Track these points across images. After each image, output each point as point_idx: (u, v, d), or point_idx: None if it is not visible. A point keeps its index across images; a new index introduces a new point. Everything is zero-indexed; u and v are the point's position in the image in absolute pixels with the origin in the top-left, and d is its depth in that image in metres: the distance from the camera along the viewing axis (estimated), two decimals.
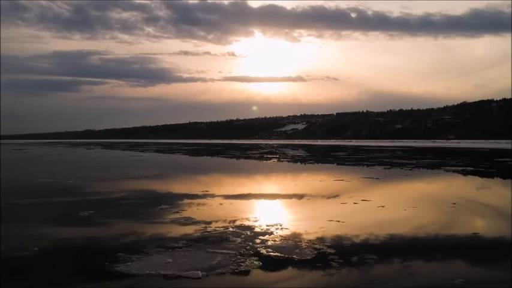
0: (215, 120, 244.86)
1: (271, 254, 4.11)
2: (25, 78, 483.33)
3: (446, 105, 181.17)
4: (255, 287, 3.33)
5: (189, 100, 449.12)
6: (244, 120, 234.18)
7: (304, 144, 60.38)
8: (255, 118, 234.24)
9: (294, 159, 22.28)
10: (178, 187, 10.07)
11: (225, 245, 4.38)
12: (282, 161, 21.00)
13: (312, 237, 4.76)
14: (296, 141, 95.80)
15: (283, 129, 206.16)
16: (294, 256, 4.04)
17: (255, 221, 5.61)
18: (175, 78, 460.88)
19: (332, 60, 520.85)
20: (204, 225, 5.31)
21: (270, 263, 3.81)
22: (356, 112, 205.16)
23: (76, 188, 9.45)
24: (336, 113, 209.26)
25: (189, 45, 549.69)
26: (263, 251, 4.20)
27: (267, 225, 5.33)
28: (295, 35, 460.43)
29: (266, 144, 68.92)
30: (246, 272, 3.58)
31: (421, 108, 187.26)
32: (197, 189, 8.96)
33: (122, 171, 14.55)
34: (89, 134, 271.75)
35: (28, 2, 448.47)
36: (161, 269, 3.61)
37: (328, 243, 4.46)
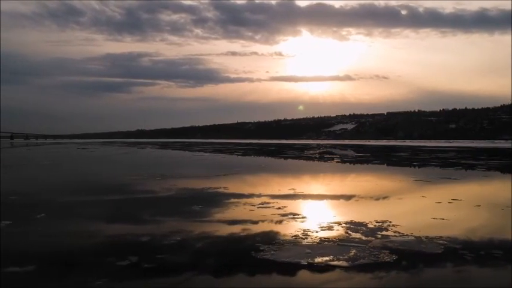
0: (262, 120, 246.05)
1: (400, 247, 4.34)
2: (79, 79, 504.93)
3: (503, 104, 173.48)
4: (402, 276, 3.59)
5: (237, 100, 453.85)
6: (292, 120, 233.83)
7: (358, 145, 59.74)
8: (303, 118, 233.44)
9: (357, 160, 22.25)
10: (265, 185, 10.47)
11: (350, 239, 4.65)
12: (346, 161, 21.04)
13: (426, 232, 4.93)
14: (347, 141, 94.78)
15: (332, 129, 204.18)
16: (423, 250, 4.27)
17: (364, 218, 5.82)
18: (223, 78, 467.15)
19: (381, 59, 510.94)
20: (318, 222, 5.62)
21: (404, 256, 4.05)
22: (407, 111, 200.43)
23: (173, 185, 10.00)
24: (386, 113, 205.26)
25: (236, 45, 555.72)
26: (390, 244, 4.44)
27: (377, 222, 5.56)
28: (344, 33, 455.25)
29: (318, 144, 68.65)
30: (387, 264, 3.84)
31: (475, 108, 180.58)
32: (285, 188, 9.29)
33: (202, 170, 15.15)
34: (141, 133, 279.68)
35: (82, 6, 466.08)
36: (307, 258, 3.94)
37: (445, 239, 4.65)
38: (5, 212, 6.21)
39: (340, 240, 4.63)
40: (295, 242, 4.54)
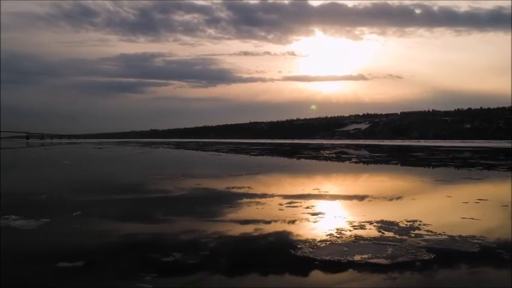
0: (275, 120, 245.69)
1: (435, 246, 4.40)
2: (93, 80, 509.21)
3: None
4: (444, 274, 3.67)
5: (249, 100, 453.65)
6: (305, 119, 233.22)
7: (373, 145, 59.47)
8: (316, 118, 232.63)
9: (376, 160, 22.20)
10: (288, 184, 10.58)
11: (384, 238, 4.73)
12: (364, 161, 21.03)
13: (458, 232, 4.99)
14: (361, 141, 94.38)
15: (345, 129, 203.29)
16: (459, 248, 4.33)
17: (394, 218, 5.88)
18: (235, 78, 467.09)
19: (395, 58, 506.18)
20: (349, 221, 5.71)
21: (442, 254, 4.11)
22: (421, 111, 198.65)
23: (197, 185, 10.15)
24: (400, 112, 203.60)
25: (249, 45, 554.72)
26: (425, 243, 4.50)
27: (407, 221, 5.62)
28: (357, 32, 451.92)
29: (332, 144, 68.45)
30: (427, 262, 3.92)
31: (491, 107, 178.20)
32: (309, 188, 9.38)
33: (222, 170, 15.29)
34: (154, 133, 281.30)
35: (97, 7, 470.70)
36: (346, 256, 4.04)
37: (479, 238, 4.70)
38: (42, 210, 6.38)
39: (374, 239, 4.71)
40: (330, 240, 4.64)
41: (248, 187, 9.35)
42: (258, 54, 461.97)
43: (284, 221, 5.76)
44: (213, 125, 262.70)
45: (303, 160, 22.14)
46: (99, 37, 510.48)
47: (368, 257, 3.99)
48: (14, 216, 5.86)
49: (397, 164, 19.72)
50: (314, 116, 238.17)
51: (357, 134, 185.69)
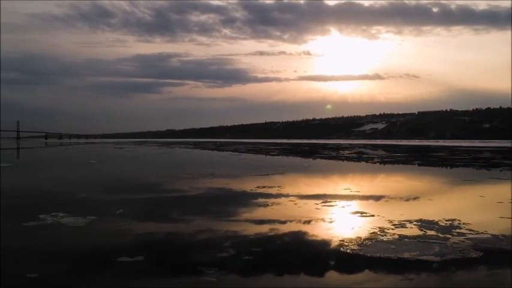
0: (291, 120, 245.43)
1: (480, 244, 4.45)
2: (110, 80, 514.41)
3: None
4: (496, 271, 3.76)
5: (264, 100, 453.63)
6: (321, 119, 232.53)
7: (391, 145, 59.13)
8: (332, 118, 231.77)
9: (398, 160, 22.15)
10: (317, 184, 10.70)
11: (428, 237, 4.82)
12: (386, 161, 21.01)
13: (500, 231, 5.06)
14: (378, 141, 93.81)
15: (362, 128, 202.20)
16: (505, 247, 4.41)
17: (432, 217, 5.94)
18: (250, 78, 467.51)
19: (411, 57, 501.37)
20: (388, 220, 5.80)
21: (489, 252, 4.19)
22: (439, 111, 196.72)
23: (227, 184, 10.32)
24: (417, 112, 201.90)
25: (264, 45, 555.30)
26: (469, 242, 4.58)
27: (446, 220, 5.69)
28: (373, 32, 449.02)
29: (350, 144, 68.21)
30: (476, 259, 4.01)
31: (510, 107, 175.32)
32: (340, 187, 9.50)
33: (247, 169, 15.47)
34: (170, 133, 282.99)
35: (113, 8, 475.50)
36: (396, 253, 4.15)
37: None
38: (85, 208, 6.60)
39: (418, 237, 4.80)
40: (375, 238, 4.74)
41: (279, 186, 9.48)
42: (273, 54, 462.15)
43: (324, 220, 5.89)
44: (228, 125, 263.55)
45: (324, 160, 22.19)
46: (115, 38, 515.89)
47: (417, 254, 4.10)
48: (61, 214, 6.09)
49: (420, 164, 19.66)
50: (330, 116, 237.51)
51: (374, 134, 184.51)
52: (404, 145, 57.47)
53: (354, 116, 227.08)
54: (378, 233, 5.00)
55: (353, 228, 5.32)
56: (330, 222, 5.74)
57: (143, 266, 3.85)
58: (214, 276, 3.51)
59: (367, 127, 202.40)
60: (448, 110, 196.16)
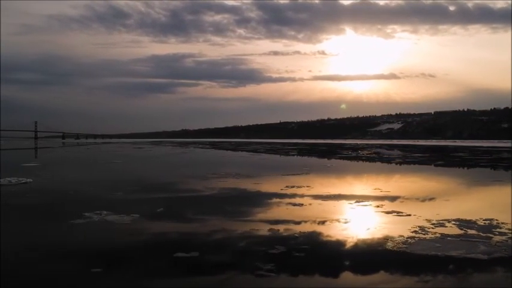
0: (306, 120, 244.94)
1: None
2: (125, 81, 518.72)
3: None
4: None
5: (279, 100, 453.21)
6: (336, 119, 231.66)
7: (409, 145, 58.75)
8: (347, 117, 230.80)
9: (420, 160, 22.09)
10: (345, 184, 10.82)
11: (470, 235, 4.91)
12: (409, 161, 20.98)
13: None
14: (395, 141, 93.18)
15: (378, 128, 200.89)
16: None
17: (468, 216, 6.01)
18: (265, 78, 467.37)
19: (427, 56, 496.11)
20: (426, 219, 5.90)
21: None
22: (456, 111, 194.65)
23: (257, 184, 10.48)
24: (434, 112, 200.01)
25: (279, 45, 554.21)
26: (509, 241, 4.70)
27: (484, 220, 5.76)
28: (389, 31, 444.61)
29: (367, 144, 67.91)
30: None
31: None
32: (369, 187, 9.61)
33: (272, 170, 15.63)
34: (185, 133, 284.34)
35: (129, 9, 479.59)
36: (442, 251, 4.26)
37: None
38: (126, 207, 6.80)
39: (460, 236, 4.90)
40: (418, 237, 4.85)
41: (307, 186, 9.62)
42: (287, 53, 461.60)
43: (363, 220, 6.03)
44: (243, 125, 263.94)
45: (346, 160, 22.22)
46: (131, 38, 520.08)
47: (464, 253, 4.21)
48: (104, 212, 6.32)
49: (444, 164, 19.61)
50: (345, 116, 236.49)
51: (390, 134, 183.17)
52: (422, 145, 57.04)
53: (370, 115, 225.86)
54: (419, 231, 5.11)
55: (393, 227, 5.43)
56: (369, 221, 5.87)
57: (201, 261, 4.02)
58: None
59: (383, 127, 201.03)
60: (465, 109, 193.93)
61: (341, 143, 71.93)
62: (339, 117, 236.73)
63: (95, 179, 12.00)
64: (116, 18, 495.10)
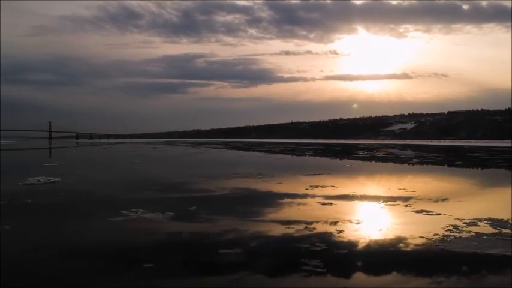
0: (317, 120, 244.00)
1: None
2: (138, 81, 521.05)
3: None
4: None
5: (290, 100, 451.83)
6: (348, 119, 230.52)
7: (424, 145, 58.36)
8: (360, 117, 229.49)
9: (438, 161, 22.03)
10: (369, 184, 10.91)
11: (505, 234, 5.00)
12: (426, 161, 20.94)
13: None
14: (409, 142, 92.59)
15: (390, 128, 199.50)
16: None
17: (499, 215, 6.07)
18: (276, 78, 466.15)
19: (440, 56, 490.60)
20: (457, 218, 5.97)
21: None
22: (469, 111, 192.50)
23: (280, 183, 10.61)
24: (447, 112, 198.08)
25: (290, 45, 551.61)
26: None
27: None
28: (401, 30, 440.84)
29: (380, 144, 67.58)
30: None
31: None
32: (394, 187, 9.68)
33: (293, 170, 15.74)
34: (197, 133, 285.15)
35: (141, 9, 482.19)
36: (483, 250, 4.36)
37: None
38: (159, 205, 6.96)
39: (496, 234, 4.99)
40: (453, 235, 4.95)
41: (332, 186, 9.72)
42: (299, 53, 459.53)
43: (395, 218, 6.13)
44: (254, 125, 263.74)
45: (364, 161, 22.21)
46: (143, 39, 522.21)
47: (503, 251, 4.31)
48: (140, 210, 6.50)
49: (463, 164, 19.55)
50: (357, 116, 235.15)
51: (403, 134, 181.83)
52: (437, 145, 56.64)
53: (382, 115, 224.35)
54: (453, 230, 5.20)
55: (427, 226, 5.52)
56: (402, 220, 5.97)
57: (245, 257, 4.17)
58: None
59: (396, 127, 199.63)
60: (479, 109, 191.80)
61: (355, 143, 71.67)
62: (351, 117, 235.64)
63: (120, 179, 12.24)
64: (128, 19, 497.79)
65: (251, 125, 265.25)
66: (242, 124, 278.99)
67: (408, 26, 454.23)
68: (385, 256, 4.31)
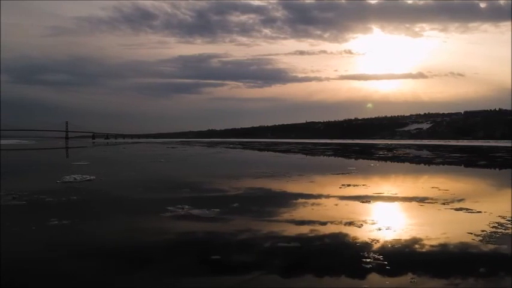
0: (332, 120, 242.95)
1: None
2: (152, 81, 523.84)
3: None
4: None
5: (305, 100, 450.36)
6: (363, 119, 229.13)
7: (442, 145, 57.83)
8: (375, 117, 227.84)
9: (461, 161, 21.96)
10: (402, 183, 11.03)
11: None
12: (448, 161, 20.86)
13: None
14: (425, 142, 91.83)
15: (406, 128, 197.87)
16: None
17: None
18: (290, 78, 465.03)
19: (457, 55, 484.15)
20: (499, 215, 6.09)
21: None
22: (486, 110, 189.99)
23: (311, 182, 10.77)
24: (464, 112, 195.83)
25: (304, 44, 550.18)
26: None
27: None
28: (417, 29, 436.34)
29: (398, 144, 67.13)
30: None
31: None
32: (427, 185, 9.80)
33: (319, 169, 15.88)
34: (211, 133, 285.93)
35: (155, 10, 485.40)
36: None
37: None
38: (204, 202, 7.20)
39: None
40: (500, 232, 5.08)
41: (363, 185, 9.86)
42: (313, 53, 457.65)
43: (437, 216, 6.28)
44: (269, 125, 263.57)
45: (387, 161, 22.21)
46: (157, 39, 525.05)
47: None
48: (186, 206, 6.74)
49: (487, 164, 19.50)
50: (372, 116, 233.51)
51: (419, 134, 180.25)
52: (455, 145, 56.16)
53: (398, 115, 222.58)
54: (499, 227, 5.32)
55: (471, 223, 5.65)
56: (445, 218, 6.11)
57: (304, 251, 4.38)
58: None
59: (412, 127, 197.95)
60: (497, 109, 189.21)
61: (372, 143, 71.30)
62: (366, 117, 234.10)
63: (152, 177, 12.51)
64: (142, 19, 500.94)
65: (266, 125, 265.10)
66: (256, 124, 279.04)
67: (424, 25, 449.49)
68: (449, 255, 4.41)
